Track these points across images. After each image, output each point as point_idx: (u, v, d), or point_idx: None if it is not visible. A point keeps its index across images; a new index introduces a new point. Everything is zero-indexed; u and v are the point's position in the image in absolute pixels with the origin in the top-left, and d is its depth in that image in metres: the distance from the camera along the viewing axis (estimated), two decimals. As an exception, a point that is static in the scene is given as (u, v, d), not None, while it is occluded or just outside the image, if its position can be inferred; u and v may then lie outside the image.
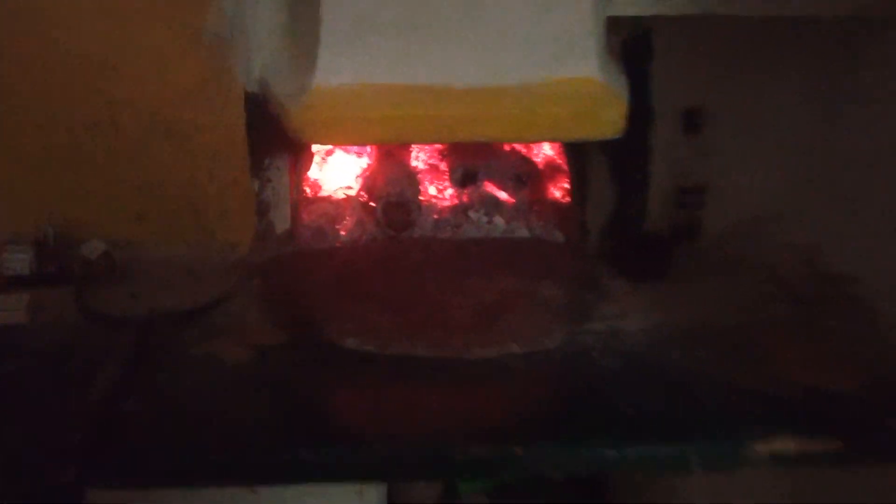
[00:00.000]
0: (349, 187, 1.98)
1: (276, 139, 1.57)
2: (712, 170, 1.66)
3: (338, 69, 1.20)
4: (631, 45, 1.54)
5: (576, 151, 1.67)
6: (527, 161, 1.92)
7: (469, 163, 1.87)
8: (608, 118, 1.25)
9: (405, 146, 2.05)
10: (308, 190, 1.99)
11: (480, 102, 1.20)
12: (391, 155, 1.96)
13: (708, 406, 1.16)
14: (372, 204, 1.81)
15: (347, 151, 2.14)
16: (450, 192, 1.96)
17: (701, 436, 1.10)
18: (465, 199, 1.89)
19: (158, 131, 1.56)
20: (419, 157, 2.14)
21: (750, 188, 1.69)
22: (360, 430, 1.09)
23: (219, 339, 1.34)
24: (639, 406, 1.15)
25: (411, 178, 1.83)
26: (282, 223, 1.67)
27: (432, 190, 1.98)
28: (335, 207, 1.90)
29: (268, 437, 1.08)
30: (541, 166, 1.98)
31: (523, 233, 1.74)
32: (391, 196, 1.74)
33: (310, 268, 1.54)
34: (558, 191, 1.92)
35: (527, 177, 1.89)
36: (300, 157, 1.64)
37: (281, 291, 1.47)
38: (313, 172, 2.07)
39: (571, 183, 1.73)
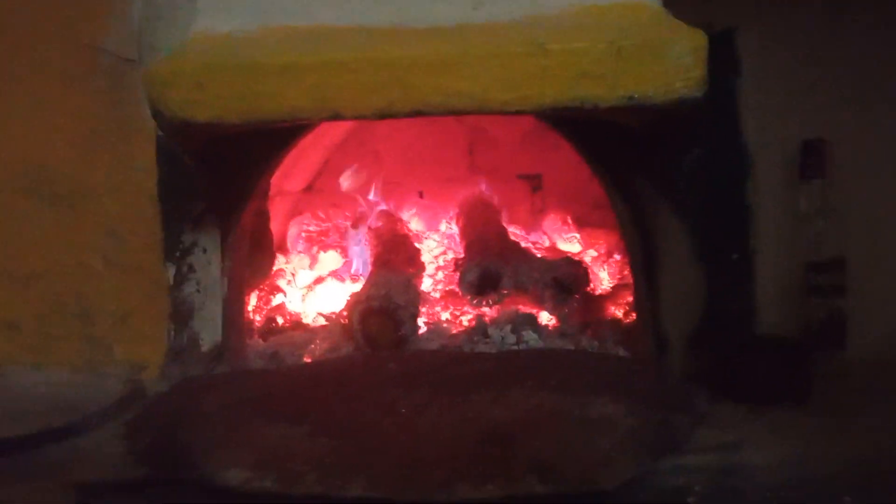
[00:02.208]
0: (333, 313, 1.47)
1: (200, 203, 1.10)
2: (853, 235, 1.08)
3: (224, 12, 0.75)
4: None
5: (638, 223, 1.11)
6: (571, 262, 1.37)
7: (489, 262, 1.34)
8: (676, 61, 0.73)
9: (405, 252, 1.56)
10: (280, 319, 1.49)
11: (447, 41, 0.71)
12: (388, 264, 1.46)
13: None
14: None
15: (341, 279, 1.67)
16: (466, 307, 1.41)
17: None
18: (483, 313, 1.34)
19: (38, 196, 1.11)
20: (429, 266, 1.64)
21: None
22: None
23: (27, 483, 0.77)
24: None
25: (407, 285, 1.31)
26: (210, 334, 1.15)
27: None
28: (307, 334, 1.38)
29: None
30: (601, 259, 1.43)
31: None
32: (373, 300, 1.20)
33: (231, 388, 0.98)
34: (623, 299, 1.35)
35: (574, 284, 1.33)
36: (237, 230, 1.14)
37: (165, 416, 0.90)
38: (295, 304, 1.58)
39: (634, 272, 1.16)
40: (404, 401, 0.90)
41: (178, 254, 1.12)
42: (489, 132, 2.02)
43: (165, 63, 0.80)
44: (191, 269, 1.14)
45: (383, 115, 0.78)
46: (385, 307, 1.20)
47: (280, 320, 1.50)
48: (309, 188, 2.00)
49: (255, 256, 1.25)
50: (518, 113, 0.79)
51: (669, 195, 1.08)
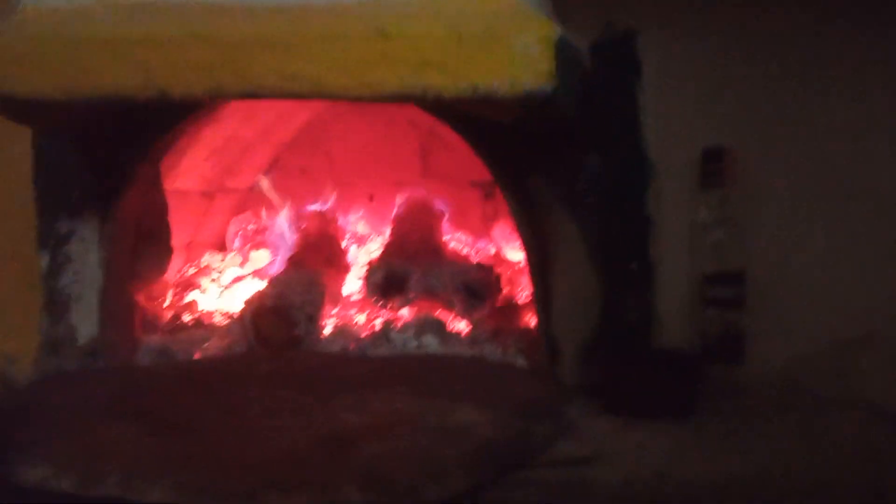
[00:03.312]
0: (233, 312, 1.42)
1: (76, 189, 1.05)
2: (755, 247, 1.04)
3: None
4: (605, 51, 1.02)
5: (532, 226, 1.07)
6: (482, 268, 1.33)
7: (397, 263, 1.30)
8: (522, 52, 0.69)
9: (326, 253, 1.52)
10: (188, 316, 1.44)
11: (285, 21, 0.67)
12: (300, 263, 1.41)
13: None
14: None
15: (261, 276, 1.62)
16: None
17: None
18: (395, 317, 1.29)
19: None
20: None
21: (821, 285, 1.05)
22: None
23: None
24: None
25: (310, 285, 1.26)
26: (87, 327, 1.09)
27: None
28: (206, 332, 1.33)
29: None
30: (507, 273, 1.38)
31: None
32: (266, 299, 1.16)
33: (89, 385, 0.93)
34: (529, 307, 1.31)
35: (483, 290, 1.29)
36: (116, 218, 1.08)
37: (8, 410, 0.85)
38: (209, 301, 1.53)
39: (531, 278, 1.11)
40: (259, 403, 0.85)
41: (53, 242, 1.07)
42: (444, 137, 1.98)
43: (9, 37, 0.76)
44: (67, 258, 1.09)
45: (214, 96, 0.74)
46: (277, 306, 1.15)
47: (188, 318, 1.45)
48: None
49: (147, 249, 1.20)
50: (358, 100, 0.75)
51: (565, 199, 1.04)
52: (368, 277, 1.29)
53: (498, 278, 1.32)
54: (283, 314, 1.15)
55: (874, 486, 0.73)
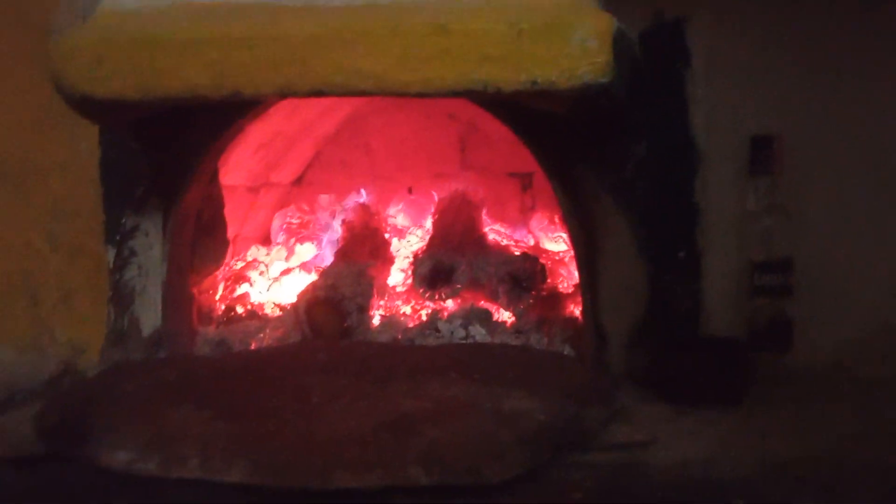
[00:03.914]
0: (287, 304, 1.46)
1: (141, 185, 1.10)
2: (802, 235, 1.04)
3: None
4: (654, 39, 1.03)
5: (579, 215, 1.09)
6: (528, 258, 1.35)
7: (444, 254, 1.32)
8: (580, 45, 0.71)
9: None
10: (241, 308, 1.49)
11: (351, 19, 0.70)
12: (350, 255, 1.45)
13: None
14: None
15: (309, 270, 1.66)
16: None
17: None
18: (441, 307, 1.32)
19: (-16, 174, 1.12)
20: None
21: (866, 270, 1.05)
22: None
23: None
24: None
25: (359, 276, 1.29)
26: (151, 319, 1.14)
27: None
28: (260, 323, 1.37)
29: None
30: (548, 263, 1.40)
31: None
32: (319, 290, 1.19)
33: (156, 373, 0.97)
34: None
35: (529, 280, 1.31)
36: (179, 213, 1.13)
37: (78, 397, 0.90)
38: (258, 294, 1.58)
39: (578, 267, 1.13)
40: (319, 389, 0.88)
41: (118, 236, 1.12)
42: (482, 129, 2.00)
43: (66, 38, 0.80)
44: (132, 252, 1.13)
45: (284, 94, 0.77)
46: (330, 297, 1.19)
47: (241, 309, 1.49)
48: (299, 181, 2.00)
49: (204, 243, 1.24)
50: (420, 95, 0.77)
51: (612, 188, 1.06)
52: (416, 269, 1.32)
53: (543, 268, 1.34)
54: (335, 305, 1.19)
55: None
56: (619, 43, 0.76)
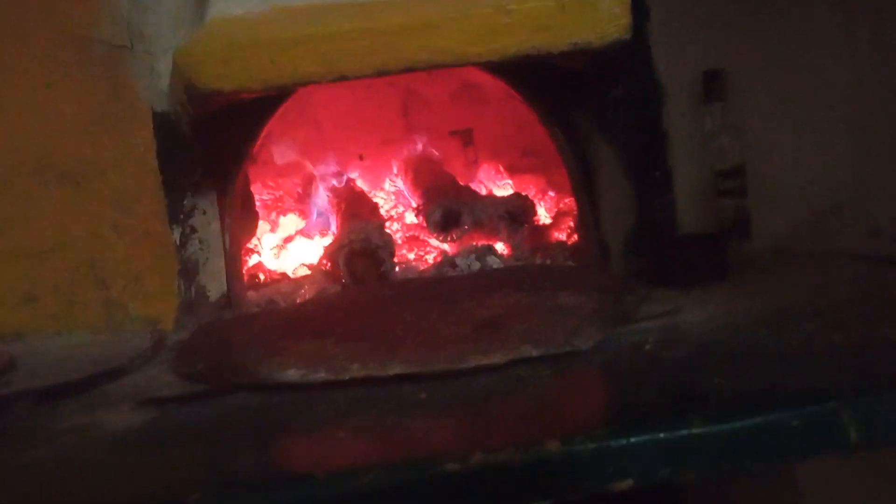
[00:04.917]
0: (311, 264, 1.63)
1: (197, 170, 1.24)
2: (750, 149, 1.31)
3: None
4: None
5: (576, 151, 1.32)
6: (519, 196, 1.58)
7: (450, 203, 1.53)
8: (608, 11, 0.94)
9: (367, 205, 1.74)
10: (262, 276, 1.64)
11: (430, 8, 0.89)
12: (356, 215, 1.62)
13: (849, 364, 0.74)
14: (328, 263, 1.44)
15: (309, 236, 1.83)
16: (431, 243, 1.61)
17: (854, 392, 0.66)
18: (445, 250, 1.53)
19: (46, 177, 1.23)
20: (391, 212, 1.82)
21: (799, 170, 1.34)
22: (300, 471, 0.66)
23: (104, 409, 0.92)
24: (740, 379, 0.73)
25: (381, 229, 1.48)
26: (216, 286, 1.29)
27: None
28: (292, 285, 1.54)
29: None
30: (537, 197, 1.63)
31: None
32: (354, 243, 1.38)
33: (252, 323, 1.14)
34: (564, 224, 1.56)
35: (523, 215, 1.54)
36: (233, 192, 1.29)
37: (206, 347, 1.06)
38: (269, 260, 1.73)
39: (576, 194, 1.37)
40: (407, 312, 1.08)
41: (181, 217, 1.27)
42: (420, 93, 2.18)
43: (195, 45, 0.95)
44: (193, 229, 1.28)
45: (380, 73, 0.95)
46: (367, 248, 1.37)
47: (262, 276, 1.65)
48: (252, 160, 2.12)
49: (243, 216, 1.40)
50: (489, 63, 0.98)
51: (601, 127, 1.30)
52: (428, 216, 1.52)
53: (533, 204, 1.56)
54: (371, 254, 1.37)
55: (866, 299, 1.03)
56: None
